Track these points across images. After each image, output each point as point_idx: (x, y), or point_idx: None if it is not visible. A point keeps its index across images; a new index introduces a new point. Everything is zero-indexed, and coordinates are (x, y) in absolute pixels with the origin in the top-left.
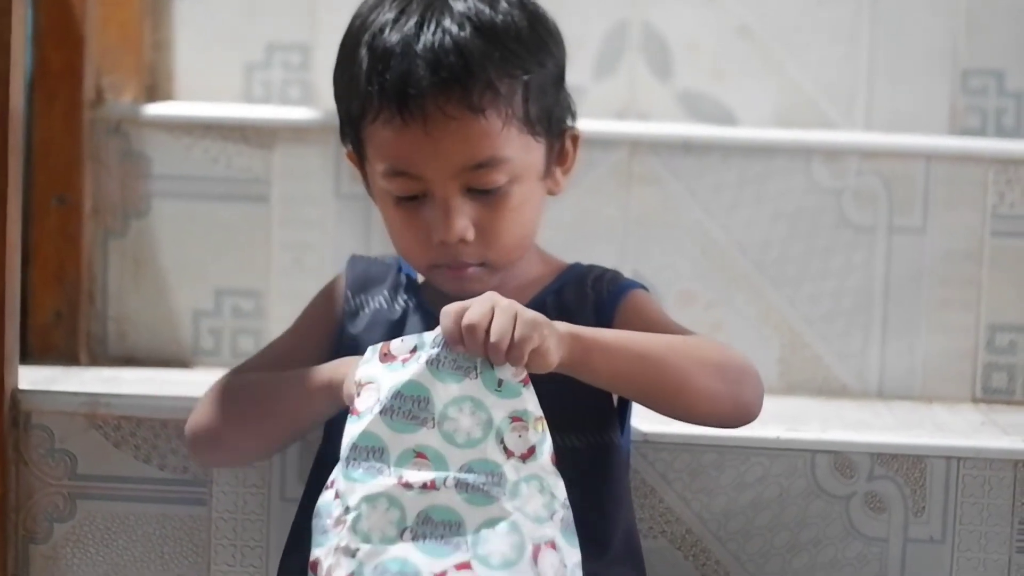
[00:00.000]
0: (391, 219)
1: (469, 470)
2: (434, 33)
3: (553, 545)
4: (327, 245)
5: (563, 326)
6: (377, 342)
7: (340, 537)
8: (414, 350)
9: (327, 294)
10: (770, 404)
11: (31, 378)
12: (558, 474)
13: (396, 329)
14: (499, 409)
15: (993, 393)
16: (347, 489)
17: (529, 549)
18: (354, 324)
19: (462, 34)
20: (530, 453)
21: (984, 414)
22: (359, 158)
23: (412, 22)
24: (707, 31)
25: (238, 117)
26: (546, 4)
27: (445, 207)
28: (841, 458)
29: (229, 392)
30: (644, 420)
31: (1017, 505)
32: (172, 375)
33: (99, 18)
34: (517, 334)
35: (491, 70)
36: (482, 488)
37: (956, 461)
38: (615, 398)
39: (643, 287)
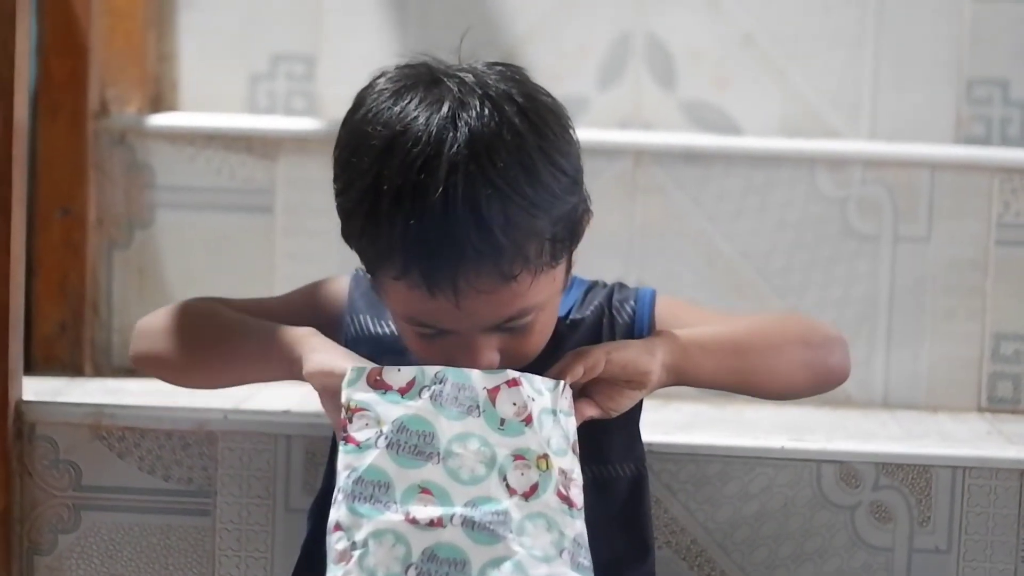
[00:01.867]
0: (406, 335)
1: (474, 507)
2: (460, 204)
3: None
4: (331, 256)
5: (663, 343)
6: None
7: (346, 571)
8: (412, 382)
9: (329, 296)
10: (774, 414)
11: (35, 389)
12: (568, 511)
13: (401, 360)
14: (502, 447)
15: (998, 402)
16: (353, 523)
17: None
18: (355, 349)
19: (486, 205)
20: (533, 491)
21: (990, 423)
22: (369, 274)
23: (434, 185)
24: (711, 40)
25: (242, 128)
26: (551, 12)
27: (472, 345)
28: (846, 468)
29: (196, 316)
30: (648, 431)
31: (1023, 515)
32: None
33: (104, 29)
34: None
35: (520, 239)
36: (489, 527)
37: (962, 471)
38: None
39: (653, 290)
